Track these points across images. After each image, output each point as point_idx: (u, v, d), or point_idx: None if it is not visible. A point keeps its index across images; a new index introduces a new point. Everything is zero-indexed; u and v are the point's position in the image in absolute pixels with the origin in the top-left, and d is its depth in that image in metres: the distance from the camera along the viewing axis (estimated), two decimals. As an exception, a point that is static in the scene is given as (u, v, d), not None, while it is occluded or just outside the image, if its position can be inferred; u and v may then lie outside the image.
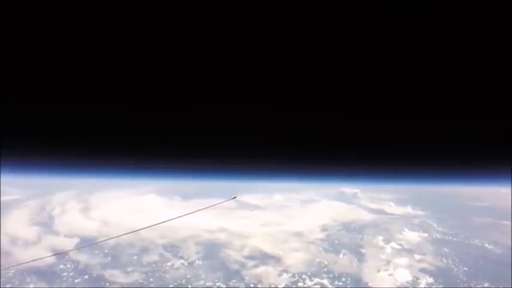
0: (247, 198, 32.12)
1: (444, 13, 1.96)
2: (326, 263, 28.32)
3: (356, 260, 28.93)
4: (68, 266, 25.68)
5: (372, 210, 33.83)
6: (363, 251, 30.04)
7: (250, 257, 26.88)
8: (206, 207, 5.48)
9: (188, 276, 25.35)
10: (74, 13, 1.98)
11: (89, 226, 25.25)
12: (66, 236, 25.84)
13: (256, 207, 31.35)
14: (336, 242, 30.05)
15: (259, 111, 2.76)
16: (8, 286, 24.27)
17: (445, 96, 2.47)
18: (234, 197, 5.70)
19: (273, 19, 2.01)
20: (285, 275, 26.72)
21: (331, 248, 29.36)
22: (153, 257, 25.96)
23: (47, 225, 26.32)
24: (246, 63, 2.32)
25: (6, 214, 26.92)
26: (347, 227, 31.24)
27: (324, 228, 30.34)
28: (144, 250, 26.06)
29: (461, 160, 3.56)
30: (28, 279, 25.22)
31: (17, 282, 24.71)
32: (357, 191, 34.31)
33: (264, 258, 26.98)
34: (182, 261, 26.31)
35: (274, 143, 3.32)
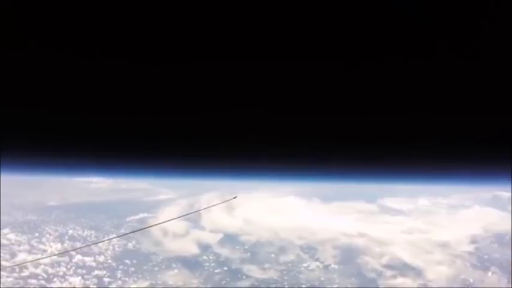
0: (390, 202, 30.79)
1: (444, 9, 1.90)
2: (471, 280, 25.17)
3: (506, 280, 24.88)
4: (211, 257, 29.01)
5: (533, 221, 28.47)
6: (517, 270, 25.68)
7: (388, 266, 25.74)
8: (205, 208, 5.56)
9: (322, 279, 25.78)
10: (77, 16, 1.99)
11: (232, 224, 28.15)
12: (211, 231, 29.31)
13: (399, 212, 29.86)
14: (486, 257, 26.23)
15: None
16: (156, 269, 28.76)
17: (440, 92, 2.41)
18: (235, 197, 5.72)
19: (268, 19, 2.00)
20: (424, 290, 24.76)
21: (479, 264, 25.81)
22: (290, 257, 27.31)
23: (194, 221, 30.44)
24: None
25: (162, 210, 32.17)
26: (501, 239, 26.80)
27: (473, 240, 26.83)
28: (282, 249, 27.63)
29: (461, 159, 3.44)
30: (174, 265, 29.23)
31: (163, 267, 28.96)
32: (516, 194, 29.24)
33: (403, 268, 25.47)
34: (318, 263, 26.91)
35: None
